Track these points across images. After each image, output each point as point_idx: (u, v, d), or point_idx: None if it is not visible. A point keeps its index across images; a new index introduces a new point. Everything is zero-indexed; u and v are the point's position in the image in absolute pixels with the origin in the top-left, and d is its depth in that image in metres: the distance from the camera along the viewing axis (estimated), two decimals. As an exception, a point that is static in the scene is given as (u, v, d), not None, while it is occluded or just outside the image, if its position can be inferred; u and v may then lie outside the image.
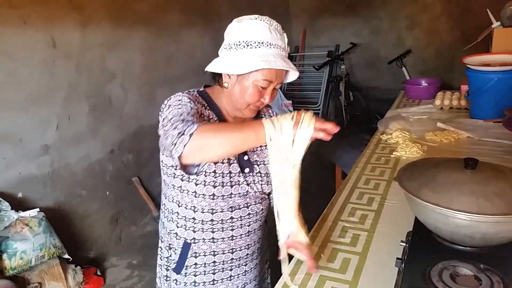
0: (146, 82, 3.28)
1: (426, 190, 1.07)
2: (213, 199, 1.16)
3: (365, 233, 1.34)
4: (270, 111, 1.35)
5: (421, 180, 1.12)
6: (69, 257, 2.37)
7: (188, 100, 1.10)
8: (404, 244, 1.16)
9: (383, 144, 2.16)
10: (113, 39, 2.95)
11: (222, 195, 1.16)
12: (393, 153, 1.99)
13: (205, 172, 1.14)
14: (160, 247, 1.34)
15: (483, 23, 2.96)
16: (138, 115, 3.21)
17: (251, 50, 1.07)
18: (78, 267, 2.43)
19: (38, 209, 2.29)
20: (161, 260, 1.33)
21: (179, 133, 0.92)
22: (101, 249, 2.94)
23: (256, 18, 1.09)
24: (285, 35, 1.13)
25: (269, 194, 1.30)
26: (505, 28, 2.68)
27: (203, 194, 1.16)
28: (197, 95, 1.18)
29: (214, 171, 1.14)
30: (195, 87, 1.24)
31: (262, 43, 1.07)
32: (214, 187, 1.15)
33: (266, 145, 1.13)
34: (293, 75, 1.17)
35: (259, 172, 1.24)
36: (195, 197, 1.17)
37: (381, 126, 2.37)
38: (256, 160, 1.24)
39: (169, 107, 1.09)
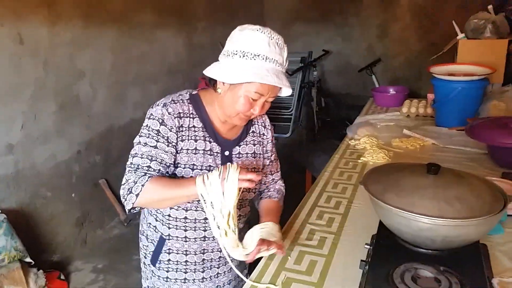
0: (117, 81, 3.22)
1: (390, 194, 1.10)
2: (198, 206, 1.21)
3: (331, 235, 1.36)
4: (263, 119, 1.36)
5: (386, 184, 1.15)
6: (31, 260, 2.29)
7: (161, 122, 1.15)
8: (368, 246, 1.19)
9: (351, 149, 2.20)
10: (83, 37, 2.88)
11: None
12: (361, 158, 2.04)
13: (183, 177, 1.19)
14: (141, 237, 1.39)
15: (450, 34, 3.08)
16: (107, 115, 3.15)
17: (246, 61, 1.08)
18: (41, 271, 2.35)
19: (0, 211, 2.21)
20: (142, 248, 1.38)
21: (128, 190, 1.10)
22: (66, 252, 2.86)
23: (258, 30, 1.09)
24: (285, 49, 1.13)
25: (250, 200, 1.35)
26: (469, 40, 2.80)
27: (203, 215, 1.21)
28: (186, 101, 1.20)
29: (192, 177, 1.14)
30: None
31: (258, 55, 1.08)
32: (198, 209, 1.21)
33: (250, 153, 1.30)
34: (286, 91, 1.17)
35: None
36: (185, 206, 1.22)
37: (350, 132, 2.42)
38: (237, 159, 1.26)
39: (144, 125, 1.18)
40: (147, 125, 1.17)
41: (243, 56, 1.08)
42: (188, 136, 1.18)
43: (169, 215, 1.23)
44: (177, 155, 1.18)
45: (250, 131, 1.31)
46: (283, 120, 5.40)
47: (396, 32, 5.13)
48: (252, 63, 1.08)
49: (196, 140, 1.19)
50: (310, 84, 5.01)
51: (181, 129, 1.17)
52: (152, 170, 1.13)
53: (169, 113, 1.15)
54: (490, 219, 1.00)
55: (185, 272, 1.29)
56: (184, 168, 1.18)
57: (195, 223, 1.23)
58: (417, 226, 1.02)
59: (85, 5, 2.88)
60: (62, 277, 2.54)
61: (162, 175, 1.15)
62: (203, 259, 1.29)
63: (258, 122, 1.34)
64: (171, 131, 1.15)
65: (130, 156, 1.16)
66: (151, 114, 1.17)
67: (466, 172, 1.22)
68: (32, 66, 2.54)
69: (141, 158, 1.14)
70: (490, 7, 2.82)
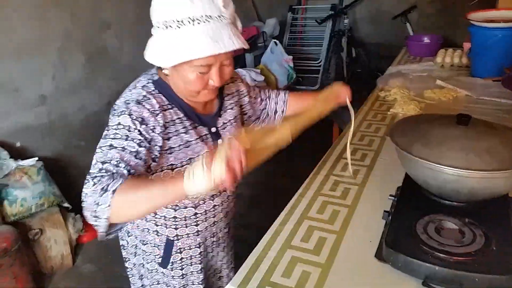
0: (141, 32, 3.20)
1: (417, 145, 1.08)
2: (195, 201, 1.14)
3: (355, 187, 1.36)
4: (239, 84, 1.23)
5: (413, 136, 1.12)
6: (69, 205, 2.42)
7: (131, 124, 0.93)
8: (393, 198, 1.18)
9: (381, 101, 2.14)
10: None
11: (213, 207, 1.17)
12: (390, 110, 1.98)
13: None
14: (138, 244, 1.23)
15: (492, -23, 2.86)
16: (133, 67, 3.16)
17: (171, 33, 0.88)
18: (78, 215, 2.49)
19: (36, 158, 2.32)
20: (142, 254, 1.23)
21: (95, 203, 0.85)
22: (100, 199, 3.00)
23: None
24: None
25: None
26: (513, -17, 2.59)
27: (193, 211, 1.14)
28: (154, 91, 1.00)
29: (189, 161, 1.05)
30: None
31: (183, 21, 0.87)
32: (196, 206, 1.14)
33: (232, 119, 1.17)
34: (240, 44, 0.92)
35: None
36: (175, 206, 1.13)
37: (380, 83, 2.35)
38: (223, 130, 1.16)
39: (110, 129, 0.94)
40: (117, 123, 0.94)
41: (166, 27, 0.88)
42: (175, 131, 1.02)
43: (174, 217, 1.14)
44: (169, 155, 1.02)
45: (225, 95, 1.18)
46: (312, 72, 5.29)
47: (434, -24, 4.81)
48: (178, 33, 0.87)
49: (186, 132, 1.04)
50: (341, 33, 4.83)
51: (166, 125, 0.99)
52: (119, 174, 0.89)
53: (149, 111, 0.96)
54: (521, 172, 0.97)
55: (200, 263, 1.26)
56: (182, 166, 1.05)
57: (206, 214, 1.18)
58: (443, 178, 1.00)
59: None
60: (98, 221, 2.68)
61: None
62: (213, 241, 1.28)
63: (228, 82, 1.19)
64: (152, 130, 0.96)
65: (94, 164, 0.91)
66: (113, 117, 0.96)
67: (499, 124, 1.17)
68: (58, 18, 2.55)
69: (110, 163, 0.89)
70: None
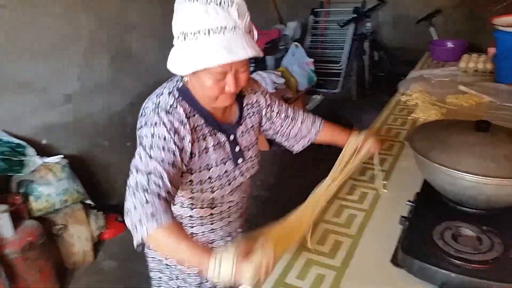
0: (165, 35, 3.24)
1: (435, 151, 1.07)
2: (212, 203, 1.17)
3: (373, 191, 1.36)
4: (260, 96, 1.24)
5: (431, 141, 1.12)
6: (91, 202, 2.48)
7: (167, 134, 0.97)
8: (411, 203, 1.18)
9: (402, 105, 2.13)
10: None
11: (222, 196, 1.17)
12: (411, 115, 1.97)
13: (201, 180, 1.10)
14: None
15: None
16: (156, 68, 3.22)
17: (188, 44, 0.93)
18: (100, 212, 2.56)
19: (61, 156, 2.39)
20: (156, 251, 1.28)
21: (139, 220, 0.87)
22: (123, 198, 3.03)
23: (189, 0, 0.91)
24: (235, 2, 0.92)
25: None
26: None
27: (202, 200, 1.15)
28: (178, 98, 1.04)
29: (210, 177, 1.11)
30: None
31: (199, 32, 0.90)
32: (213, 192, 1.14)
33: (249, 128, 1.19)
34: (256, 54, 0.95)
35: (250, 157, 1.22)
36: (192, 205, 1.16)
37: (401, 87, 2.33)
38: (245, 146, 1.20)
39: (145, 138, 0.98)
40: (153, 134, 0.98)
41: (184, 38, 0.93)
42: (196, 138, 1.06)
43: (190, 216, 1.18)
44: (189, 161, 1.05)
45: (244, 105, 1.20)
46: (333, 75, 5.27)
47: (460, -20, 4.73)
48: (194, 44, 0.92)
49: (204, 139, 1.08)
50: (363, 37, 4.80)
51: (191, 132, 1.03)
52: (165, 190, 0.93)
53: (178, 121, 1.00)
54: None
55: None
56: (200, 172, 1.09)
57: (221, 214, 1.22)
58: (461, 184, 1.00)
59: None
60: (120, 219, 2.74)
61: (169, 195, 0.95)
62: (227, 241, 1.30)
63: (248, 91, 1.22)
64: (182, 140, 1.01)
65: (134, 172, 0.95)
66: (147, 127, 0.99)
67: (520, 131, 1.15)
68: (85, 19, 2.63)
69: (156, 175, 0.93)
70: None
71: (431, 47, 2.99)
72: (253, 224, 1.50)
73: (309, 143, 1.37)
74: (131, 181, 0.94)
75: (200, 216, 1.19)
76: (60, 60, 2.53)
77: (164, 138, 0.97)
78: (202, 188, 1.12)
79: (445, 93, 2.16)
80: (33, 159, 2.25)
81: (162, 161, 0.94)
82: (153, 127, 0.98)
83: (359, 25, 5.19)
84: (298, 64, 4.30)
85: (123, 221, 2.75)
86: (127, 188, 0.94)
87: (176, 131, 0.99)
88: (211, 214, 1.20)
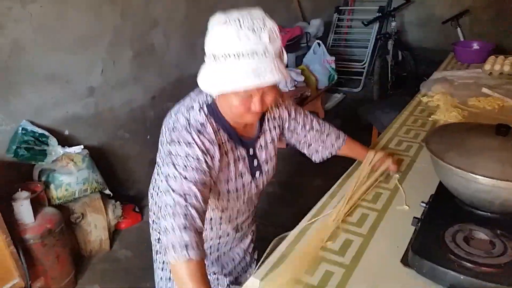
0: (188, 31, 3.30)
1: (451, 153, 1.06)
2: (223, 210, 1.24)
3: (387, 192, 1.35)
4: (283, 111, 1.26)
5: (448, 144, 1.11)
6: (110, 192, 2.53)
7: (200, 156, 1.00)
8: (425, 205, 1.17)
9: (422, 106, 2.10)
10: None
11: (233, 205, 1.24)
12: (431, 116, 1.94)
13: (219, 192, 1.15)
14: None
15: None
16: (178, 64, 3.26)
17: (218, 65, 0.94)
18: (118, 202, 2.60)
19: (82, 147, 2.44)
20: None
21: (173, 245, 0.90)
22: (140, 189, 3.11)
23: (223, 23, 0.93)
24: (266, 29, 0.92)
25: None
26: None
27: (215, 207, 1.21)
28: (208, 115, 1.07)
29: (228, 190, 1.16)
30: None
31: (229, 55, 0.92)
32: (228, 201, 1.20)
33: (269, 142, 1.23)
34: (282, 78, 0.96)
35: (268, 170, 1.25)
36: (210, 220, 1.24)
37: (423, 88, 2.30)
38: (264, 160, 1.23)
39: (179, 157, 0.99)
40: (186, 154, 1.00)
41: (215, 59, 0.95)
42: (221, 154, 1.09)
43: (211, 218, 1.26)
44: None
45: (266, 118, 1.22)
46: (355, 74, 5.23)
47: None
48: (224, 66, 0.93)
49: (227, 154, 1.12)
50: (387, 36, 4.73)
51: (219, 149, 1.08)
52: (201, 211, 0.96)
53: (208, 141, 1.04)
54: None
55: (223, 254, 1.41)
56: (219, 184, 1.14)
57: (230, 217, 1.28)
58: (475, 187, 0.98)
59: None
60: (137, 209, 2.79)
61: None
62: (237, 236, 1.38)
63: (271, 106, 1.24)
64: (212, 160, 1.04)
65: (170, 191, 0.97)
66: (186, 142, 1.01)
67: (542, 136, 1.12)
68: (110, 14, 2.68)
69: (191, 196, 0.96)
70: None
71: (455, 48, 2.92)
72: (266, 220, 1.52)
73: (330, 156, 1.41)
74: (168, 200, 0.96)
75: (229, 215, 1.26)
76: (85, 54, 2.59)
77: (198, 160, 1.00)
78: (218, 198, 1.16)
79: (467, 95, 2.12)
80: (55, 149, 2.31)
81: (195, 182, 0.97)
82: (186, 147, 1.00)
83: (383, 24, 5.12)
84: (319, 62, 4.27)
85: (140, 212, 2.79)
86: (164, 206, 0.96)
87: (208, 152, 1.02)
88: (221, 217, 1.25)
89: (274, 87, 1.03)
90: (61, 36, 2.43)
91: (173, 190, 0.96)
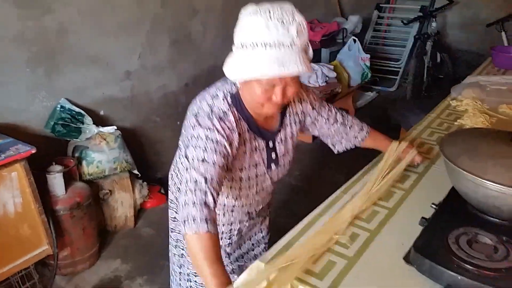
0: (224, 22, 3.36)
1: (464, 157, 1.07)
2: (236, 198, 1.27)
3: (401, 192, 1.36)
4: (306, 106, 1.29)
5: (462, 148, 1.12)
6: (138, 173, 2.65)
7: (220, 139, 1.05)
8: (435, 206, 1.18)
9: (450, 110, 2.07)
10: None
11: (247, 194, 1.27)
12: (458, 120, 1.92)
13: (232, 178, 1.19)
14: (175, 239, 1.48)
15: None
16: (213, 53, 3.33)
17: (246, 52, 0.98)
18: (145, 183, 2.72)
19: (115, 127, 2.56)
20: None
21: (186, 218, 0.95)
22: (167, 173, 3.19)
23: (254, 13, 0.96)
24: (295, 22, 0.96)
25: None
26: None
27: (228, 194, 1.25)
28: (231, 104, 1.12)
29: (240, 178, 1.20)
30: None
31: (257, 44, 0.95)
32: (240, 189, 1.23)
33: (289, 136, 1.26)
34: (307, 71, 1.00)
35: (284, 164, 1.29)
36: (224, 206, 1.30)
37: (454, 91, 2.26)
38: (282, 154, 1.27)
39: (199, 140, 1.04)
40: (207, 137, 1.05)
41: (242, 47, 0.98)
42: (239, 142, 1.13)
43: (224, 205, 1.30)
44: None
45: (288, 113, 1.26)
46: (390, 73, 5.15)
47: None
48: (251, 54, 0.96)
49: (244, 143, 1.16)
50: (426, 36, 4.62)
51: (238, 137, 1.12)
52: (215, 191, 1.01)
53: (228, 128, 1.08)
54: None
55: (236, 241, 1.45)
56: (234, 171, 1.17)
57: (242, 206, 1.33)
58: (484, 192, 0.99)
59: None
60: (162, 191, 2.90)
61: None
62: (249, 224, 1.43)
63: (294, 99, 1.27)
64: (230, 146, 1.08)
65: (189, 170, 1.02)
66: (207, 127, 1.06)
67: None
68: (152, 2, 2.78)
69: (212, 180, 1.01)
70: None
71: (493, 53, 2.84)
72: (287, 211, 1.54)
73: (352, 147, 1.45)
74: (188, 177, 1.01)
75: (224, 205, 1.29)
76: (125, 39, 2.70)
77: (217, 143, 1.04)
78: (231, 186, 1.20)
79: (498, 101, 2.07)
80: (90, 127, 2.44)
81: (214, 163, 1.02)
82: (207, 131, 1.05)
83: (424, 24, 5.00)
84: (354, 59, 4.24)
85: (165, 194, 2.90)
86: (185, 183, 1.01)
87: (228, 138, 1.06)
88: (233, 205, 1.30)
89: (297, 80, 1.06)
90: (105, 21, 2.55)
91: (193, 169, 1.01)
